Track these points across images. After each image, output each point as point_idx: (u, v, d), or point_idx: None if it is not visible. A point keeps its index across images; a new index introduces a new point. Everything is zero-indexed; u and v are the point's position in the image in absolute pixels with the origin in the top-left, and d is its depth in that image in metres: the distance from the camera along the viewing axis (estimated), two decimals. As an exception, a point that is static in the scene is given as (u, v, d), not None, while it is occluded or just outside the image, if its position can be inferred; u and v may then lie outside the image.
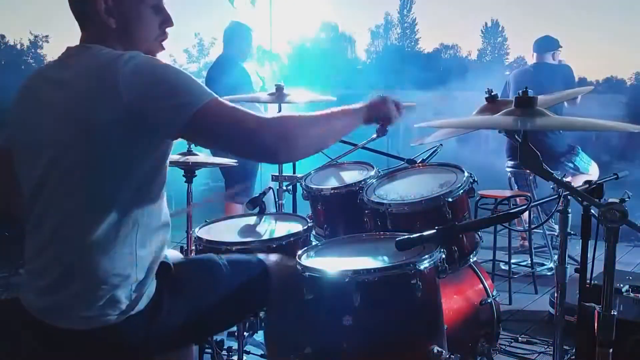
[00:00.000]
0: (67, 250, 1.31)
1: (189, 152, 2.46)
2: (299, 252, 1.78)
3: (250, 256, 1.70)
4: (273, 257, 1.73)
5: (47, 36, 37.36)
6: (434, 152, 2.52)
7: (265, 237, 2.07)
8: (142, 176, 1.33)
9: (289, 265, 1.71)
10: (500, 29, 54.01)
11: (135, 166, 1.32)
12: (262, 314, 1.90)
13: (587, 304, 1.45)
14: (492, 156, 4.58)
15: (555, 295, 1.81)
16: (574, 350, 2.27)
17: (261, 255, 1.72)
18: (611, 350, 1.33)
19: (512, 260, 3.58)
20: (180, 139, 1.38)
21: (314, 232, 2.29)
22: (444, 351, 1.59)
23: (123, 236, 1.32)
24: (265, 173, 4.13)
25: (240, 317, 1.79)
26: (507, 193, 3.82)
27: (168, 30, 1.49)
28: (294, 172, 2.97)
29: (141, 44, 1.43)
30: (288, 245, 1.97)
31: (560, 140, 4.12)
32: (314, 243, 2.03)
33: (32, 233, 1.38)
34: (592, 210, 1.60)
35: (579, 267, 1.71)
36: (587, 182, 1.62)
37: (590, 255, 1.65)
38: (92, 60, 1.34)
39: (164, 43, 1.50)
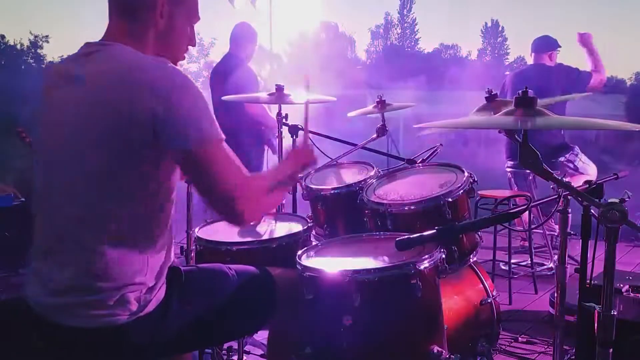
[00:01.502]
0: (78, 252, 1.32)
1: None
2: (299, 252, 1.77)
3: (259, 268, 1.69)
4: (280, 271, 1.72)
5: (47, 36, 37.28)
6: (434, 152, 2.52)
7: (265, 237, 2.07)
8: (155, 184, 1.35)
9: (295, 275, 1.69)
10: (500, 29, 53.99)
11: (149, 173, 1.33)
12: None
13: (587, 304, 1.45)
14: (492, 156, 4.58)
15: (555, 295, 1.81)
16: (573, 350, 2.27)
17: (270, 268, 1.71)
18: (611, 350, 1.33)
19: (512, 260, 3.58)
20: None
21: (314, 232, 2.29)
22: (443, 351, 1.59)
23: (133, 239, 1.34)
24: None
25: (245, 330, 1.77)
26: (507, 193, 3.82)
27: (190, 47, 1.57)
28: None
29: (172, 50, 1.49)
30: (288, 246, 1.97)
31: (554, 136, 4.12)
32: (314, 243, 2.03)
33: (41, 232, 1.38)
34: (592, 210, 1.60)
35: (579, 267, 1.71)
36: (587, 182, 1.62)
37: (590, 255, 1.65)
38: (118, 59, 1.35)
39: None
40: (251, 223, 1.74)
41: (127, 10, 1.43)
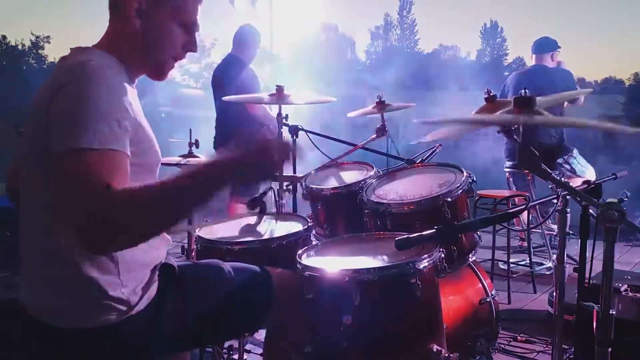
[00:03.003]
0: (49, 255, 1.31)
1: (190, 155, 2.46)
2: (299, 251, 1.78)
3: (256, 266, 1.69)
4: (278, 270, 1.71)
5: (48, 37, 37.15)
6: (433, 152, 2.53)
7: (266, 237, 2.08)
8: None
9: (293, 276, 1.69)
10: (499, 29, 53.97)
11: None
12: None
13: (585, 303, 1.46)
14: (491, 156, 4.59)
15: (554, 294, 1.82)
16: (572, 350, 2.28)
17: (267, 267, 1.70)
18: (610, 349, 1.34)
19: (511, 260, 3.59)
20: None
21: (314, 232, 2.30)
22: (443, 350, 1.60)
23: None
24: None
25: (241, 328, 1.75)
26: (506, 193, 3.83)
27: (189, 53, 1.45)
28: (294, 172, 2.98)
29: (156, 54, 1.41)
30: (288, 245, 1.98)
31: (551, 137, 4.13)
32: (314, 243, 2.03)
33: (22, 236, 1.38)
34: (591, 210, 1.61)
35: (577, 266, 1.72)
36: (586, 182, 1.64)
37: (588, 254, 1.66)
38: (59, 64, 1.33)
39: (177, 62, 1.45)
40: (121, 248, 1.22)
41: (111, 10, 1.40)
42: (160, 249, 1.47)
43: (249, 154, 1.22)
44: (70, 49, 1.39)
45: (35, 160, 1.29)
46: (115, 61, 1.36)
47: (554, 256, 2.75)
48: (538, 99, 1.49)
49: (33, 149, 1.29)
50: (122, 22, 1.38)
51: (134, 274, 1.36)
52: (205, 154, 2.71)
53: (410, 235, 1.48)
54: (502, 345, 2.71)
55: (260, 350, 2.47)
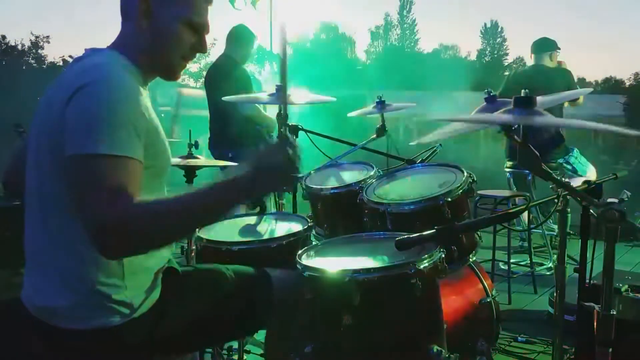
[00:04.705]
0: (53, 257, 1.31)
1: (190, 156, 2.45)
2: (299, 251, 1.78)
3: (257, 269, 1.69)
4: (278, 272, 1.71)
5: (48, 37, 37.08)
6: (433, 152, 2.53)
7: (266, 236, 2.08)
8: None
9: (293, 276, 1.69)
10: (499, 29, 53.97)
11: None
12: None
13: (586, 303, 1.46)
14: (491, 156, 4.59)
15: (555, 294, 1.82)
16: (573, 350, 2.28)
17: (268, 270, 1.70)
18: (610, 349, 1.33)
19: (512, 260, 3.59)
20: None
21: (314, 232, 2.30)
22: (443, 350, 1.60)
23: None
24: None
25: (242, 330, 1.76)
26: (507, 193, 3.83)
27: (198, 54, 1.47)
28: (294, 173, 2.98)
29: (164, 55, 1.41)
30: (288, 245, 1.98)
31: (552, 137, 4.12)
32: (314, 243, 2.03)
33: (25, 236, 1.38)
34: (591, 210, 1.60)
35: (578, 266, 1.71)
36: (586, 182, 1.63)
37: (589, 255, 1.66)
38: (72, 65, 1.33)
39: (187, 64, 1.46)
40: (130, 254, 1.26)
41: (122, 12, 1.42)
42: (163, 253, 1.47)
43: (262, 173, 1.29)
44: (85, 49, 1.40)
45: (44, 159, 1.29)
46: (130, 63, 1.37)
47: (555, 256, 2.75)
48: (538, 98, 1.48)
49: (43, 148, 1.29)
50: (131, 24, 1.39)
51: (137, 277, 1.36)
52: (204, 154, 2.71)
53: (410, 235, 1.47)
54: (503, 346, 2.70)
55: (260, 351, 2.47)
